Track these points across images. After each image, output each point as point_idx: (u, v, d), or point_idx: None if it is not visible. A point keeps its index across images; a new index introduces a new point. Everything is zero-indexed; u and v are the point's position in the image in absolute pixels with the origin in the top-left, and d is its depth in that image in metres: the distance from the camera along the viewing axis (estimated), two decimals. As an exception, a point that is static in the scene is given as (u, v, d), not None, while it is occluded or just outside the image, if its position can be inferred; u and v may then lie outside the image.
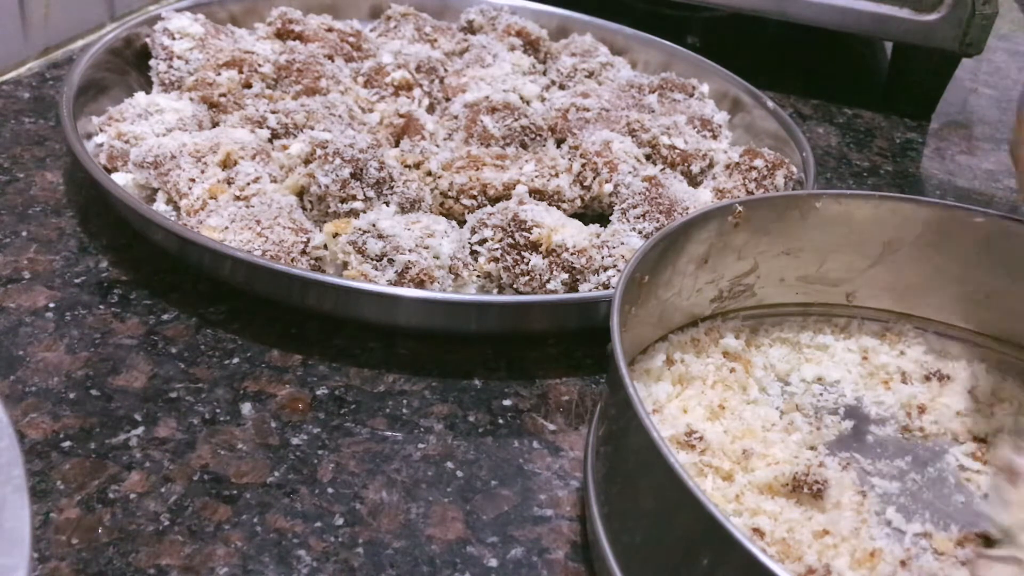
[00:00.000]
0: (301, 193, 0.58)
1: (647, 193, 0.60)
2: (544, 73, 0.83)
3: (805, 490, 0.44)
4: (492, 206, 0.60)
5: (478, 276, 0.57)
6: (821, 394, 0.52)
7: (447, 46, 0.82)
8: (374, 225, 0.54)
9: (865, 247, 0.54)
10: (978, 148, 0.92)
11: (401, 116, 0.69)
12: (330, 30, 0.78)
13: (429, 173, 0.63)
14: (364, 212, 0.57)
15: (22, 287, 0.54)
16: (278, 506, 0.43)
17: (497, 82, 0.74)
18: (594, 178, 0.64)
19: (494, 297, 0.56)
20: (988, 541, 0.43)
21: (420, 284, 0.52)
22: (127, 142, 0.61)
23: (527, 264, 0.55)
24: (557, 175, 0.64)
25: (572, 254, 0.55)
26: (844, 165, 0.84)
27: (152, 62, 0.71)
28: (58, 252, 0.57)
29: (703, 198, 0.63)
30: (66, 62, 0.79)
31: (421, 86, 0.74)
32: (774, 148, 0.69)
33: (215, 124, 0.66)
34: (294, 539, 0.41)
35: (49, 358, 0.49)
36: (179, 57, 0.70)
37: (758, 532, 0.42)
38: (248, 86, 0.69)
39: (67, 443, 0.44)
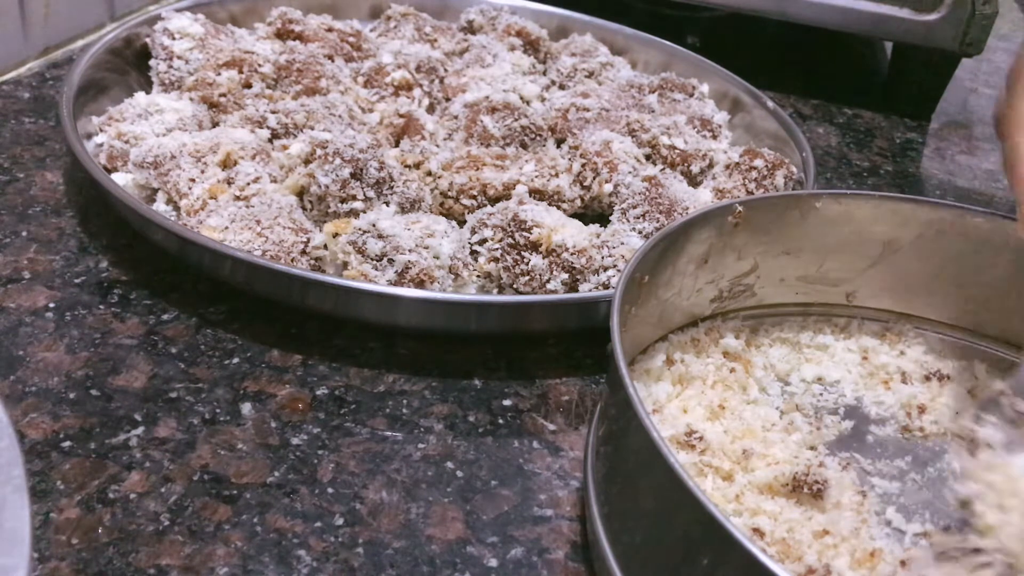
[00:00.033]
0: (301, 193, 0.58)
1: (647, 193, 0.60)
2: (544, 73, 0.83)
3: (805, 490, 0.44)
4: (492, 206, 0.60)
5: (478, 276, 0.57)
6: (821, 394, 0.52)
7: (447, 46, 0.82)
8: (374, 225, 0.54)
9: (865, 247, 0.54)
10: (978, 148, 0.92)
11: (401, 116, 0.69)
12: (330, 30, 0.78)
13: (429, 173, 0.63)
14: (364, 212, 0.57)
15: (22, 287, 0.54)
16: (278, 506, 0.43)
17: (497, 82, 0.74)
18: (594, 178, 0.64)
19: (494, 297, 0.56)
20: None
21: (420, 284, 0.52)
22: (127, 142, 0.61)
23: (527, 264, 0.55)
24: (557, 175, 0.64)
25: (572, 254, 0.55)
26: (844, 165, 0.84)
27: (152, 62, 0.71)
28: (58, 252, 0.57)
29: (703, 198, 0.63)
30: (66, 62, 0.79)
31: (421, 86, 0.74)
32: (774, 148, 0.69)
33: (215, 124, 0.66)
34: (294, 539, 0.41)
35: (49, 358, 0.49)
36: (179, 57, 0.70)
37: (758, 532, 0.42)
38: (248, 86, 0.69)
39: (67, 443, 0.44)
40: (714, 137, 0.73)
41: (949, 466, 0.48)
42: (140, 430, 0.46)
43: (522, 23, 0.83)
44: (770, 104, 0.76)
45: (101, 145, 0.62)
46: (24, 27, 0.76)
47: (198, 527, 0.41)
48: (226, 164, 0.59)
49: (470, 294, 0.56)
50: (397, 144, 0.68)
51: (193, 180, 0.58)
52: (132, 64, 0.71)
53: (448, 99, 0.74)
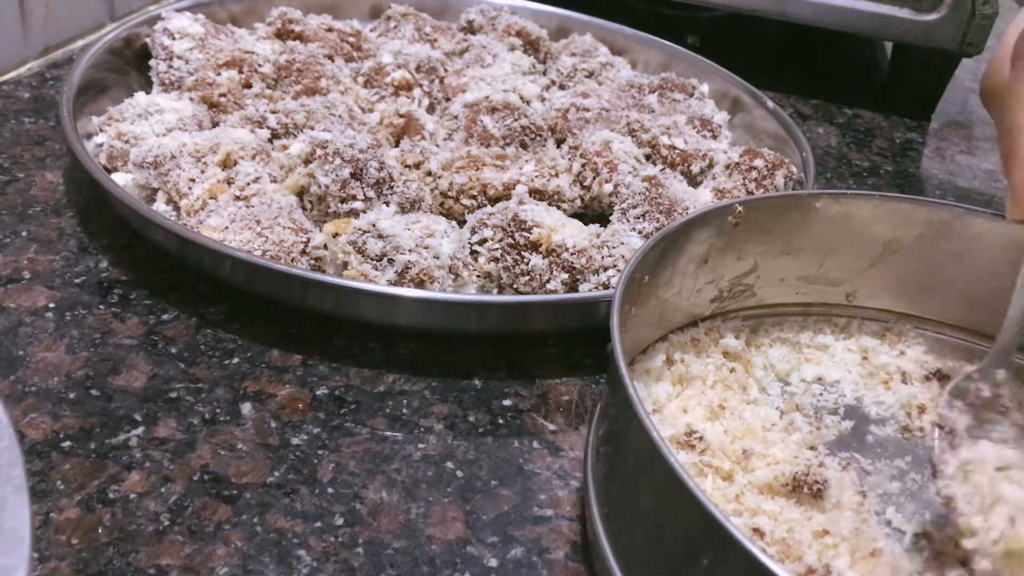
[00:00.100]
0: (301, 193, 0.59)
1: (647, 193, 0.60)
2: (544, 73, 0.83)
3: (805, 490, 0.44)
4: (492, 206, 0.60)
5: (478, 276, 0.57)
6: (821, 394, 0.52)
7: (447, 46, 0.82)
8: (374, 225, 0.54)
9: (865, 247, 0.54)
10: (978, 148, 0.92)
11: (401, 116, 0.69)
12: (330, 30, 0.78)
13: (429, 173, 0.63)
14: (364, 212, 0.57)
15: (22, 287, 0.54)
16: (278, 506, 0.43)
17: (497, 82, 0.74)
18: (594, 178, 0.64)
19: (494, 297, 0.56)
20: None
21: (420, 284, 0.52)
22: (127, 142, 0.61)
23: (527, 264, 0.55)
24: (557, 175, 0.64)
25: (572, 254, 0.55)
26: (844, 165, 0.84)
27: (152, 62, 0.71)
28: (58, 252, 0.57)
29: (703, 198, 0.63)
30: (66, 62, 0.79)
31: (421, 86, 0.74)
32: (774, 148, 0.69)
33: (215, 124, 0.66)
34: (294, 539, 0.41)
35: (49, 358, 0.49)
36: (179, 57, 0.70)
37: (758, 532, 0.42)
38: (248, 86, 0.69)
39: (67, 443, 0.44)
40: (714, 137, 0.73)
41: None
42: (140, 430, 0.46)
43: (522, 23, 0.83)
44: (770, 104, 0.76)
45: (101, 145, 0.62)
46: (24, 27, 0.76)
47: (198, 527, 0.41)
48: (226, 164, 0.59)
49: (470, 294, 0.56)
50: (397, 144, 0.68)
51: (193, 180, 0.58)
52: (132, 64, 0.71)
53: (448, 99, 0.74)
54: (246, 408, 0.48)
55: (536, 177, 0.63)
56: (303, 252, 0.54)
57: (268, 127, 0.65)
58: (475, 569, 0.41)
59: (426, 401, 0.50)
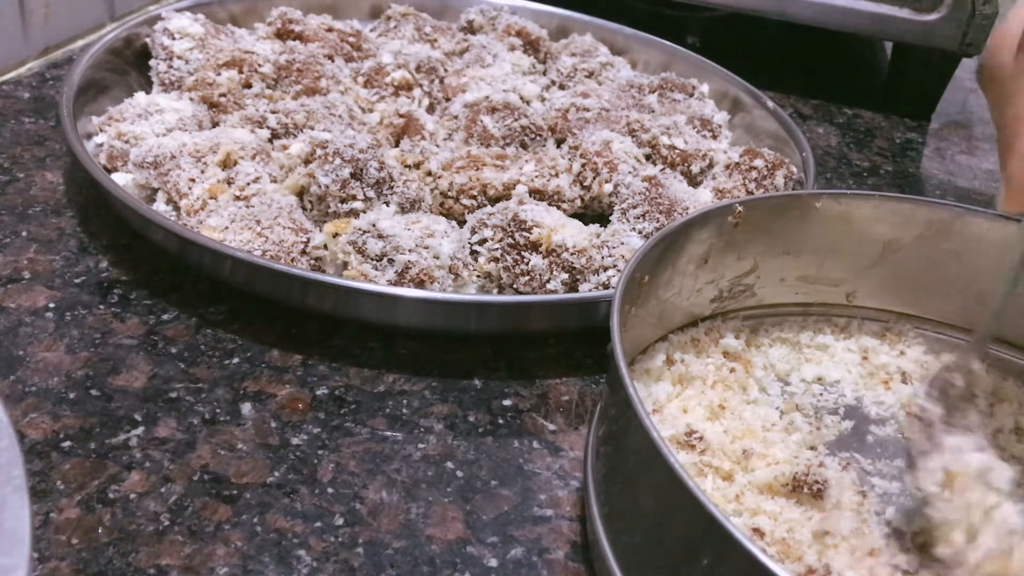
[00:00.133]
0: (301, 193, 0.59)
1: (647, 193, 0.60)
2: (544, 73, 0.83)
3: (805, 490, 0.44)
4: (492, 206, 0.60)
5: (478, 276, 0.57)
6: (821, 394, 0.52)
7: (447, 46, 0.82)
8: (374, 225, 0.54)
9: (865, 247, 0.54)
10: (978, 148, 0.92)
11: (401, 116, 0.69)
12: (330, 30, 0.78)
13: (429, 173, 0.63)
14: (364, 212, 0.57)
15: (22, 287, 0.54)
16: (278, 506, 0.43)
17: (497, 82, 0.74)
18: (594, 178, 0.64)
19: (494, 297, 0.56)
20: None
21: (420, 284, 0.52)
22: (127, 142, 0.61)
23: (527, 264, 0.55)
24: (557, 175, 0.64)
25: (572, 254, 0.55)
26: (844, 165, 0.84)
27: (152, 62, 0.71)
28: (58, 252, 0.57)
29: (703, 198, 0.63)
30: (66, 62, 0.79)
31: (421, 86, 0.74)
32: (774, 148, 0.69)
33: (215, 124, 0.66)
34: (294, 539, 0.41)
35: (49, 358, 0.49)
36: (179, 57, 0.70)
37: (758, 532, 0.42)
38: (248, 86, 0.69)
39: (67, 443, 0.44)
40: (714, 137, 0.73)
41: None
42: (140, 430, 0.46)
43: (522, 23, 0.83)
44: (770, 104, 0.76)
45: (101, 145, 0.62)
46: (24, 27, 0.76)
47: (198, 527, 0.41)
48: (226, 164, 0.59)
49: (470, 294, 0.56)
50: (397, 144, 0.68)
51: (193, 180, 0.58)
52: (132, 64, 0.71)
53: (448, 99, 0.74)
54: (246, 408, 0.48)
55: (536, 177, 0.63)
56: (303, 252, 0.54)
57: (268, 127, 0.65)
58: (475, 569, 0.41)
59: (426, 401, 0.50)
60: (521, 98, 0.73)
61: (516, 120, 0.68)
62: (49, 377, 0.48)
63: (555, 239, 0.55)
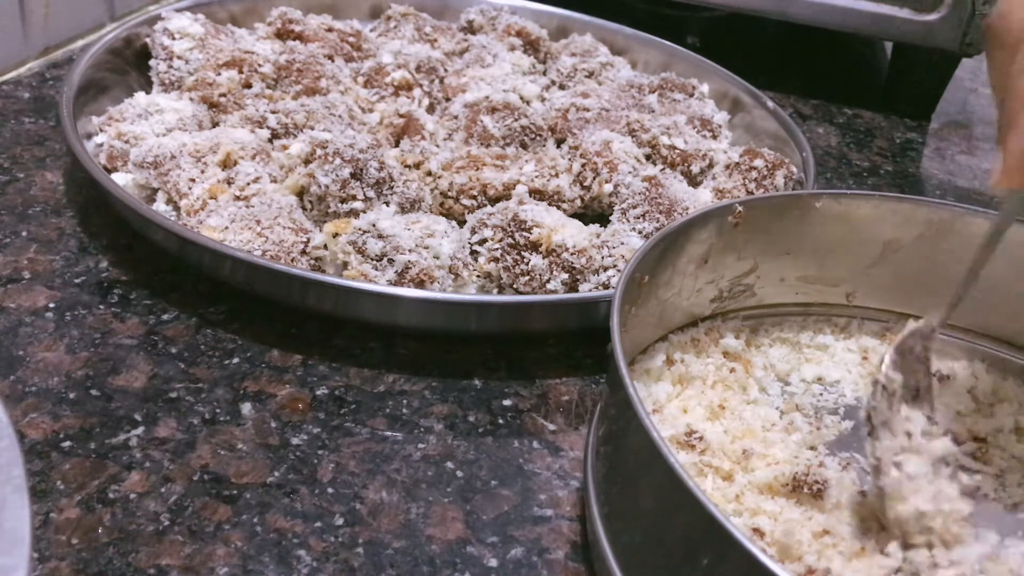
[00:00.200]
0: (301, 193, 0.59)
1: (647, 193, 0.60)
2: (544, 73, 0.83)
3: (805, 490, 0.44)
4: (492, 206, 0.60)
5: (478, 276, 0.57)
6: (821, 394, 0.52)
7: (447, 46, 0.82)
8: (374, 225, 0.54)
9: (865, 247, 0.54)
10: (978, 148, 0.92)
11: (401, 116, 0.69)
12: (330, 30, 0.78)
13: (429, 173, 0.63)
14: (364, 212, 0.57)
15: (22, 287, 0.54)
16: (278, 506, 0.43)
17: (497, 82, 0.74)
18: (594, 178, 0.64)
19: (494, 297, 0.56)
20: None
21: (420, 284, 0.52)
22: (127, 142, 0.61)
23: (527, 264, 0.55)
24: (557, 175, 0.64)
25: (572, 254, 0.55)
26: (844, 165, 0.84)
27: (152, 62, 0.71)
28: (58, 252, 0.57)
29: (703, 198, 0.63)
30: (66, 62, 0.79)
31: (421, 86, 0.74)
32: (774, 148, 0.69)
33: (215, 124, 0.66)
34: (294, 539, 0.41)
35: (49, 358, 0.49)
36: (179, 57, 0.70)
37: (758, 532, 0.42)
38: (248, 86, 0.69)
39: (67, 443, 0.44)
40: (714, 137, 0.73)
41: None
42: (140, 430, 0.46)
43: (522, 23, 0.83)
44: (770, 104, 0.76)
45: (101, 145, 0.62)
46: (24, 27, 0.76)
47: (198, 527, 0.41)
48: (226, 164, 0.59)
49: (470, 294, 0.56)
50: (397, 144, 0.68)
51: (193, 180, 0.58)
52: (132, 64, 0.71)
53: (448, 99, 0.74)
54: (246, 408, 0.48)
55: (536, 177, 0.63)
56: (303, 252, 0.54)
57: (268, 127, 0.65)
58: (475, 569, 0.41)
59: (426, 401, 0.50)
60: (521, 98, 0.73)
61: (516, 120, 0.68)
62: (49, 377, 0.48)
63: (555, 239, 0.55)
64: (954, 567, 0.40)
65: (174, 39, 0.71)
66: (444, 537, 0.42)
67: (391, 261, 0.53)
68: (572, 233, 0.56)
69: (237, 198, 0.57)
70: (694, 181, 0.68)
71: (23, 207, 0.60)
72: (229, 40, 0.73)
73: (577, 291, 0.55)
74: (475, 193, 0.62)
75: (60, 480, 0.42)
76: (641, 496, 0.36)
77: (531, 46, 0.82)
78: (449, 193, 0.62)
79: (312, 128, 0.64)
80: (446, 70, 0.77)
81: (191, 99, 0.66)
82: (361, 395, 0.50)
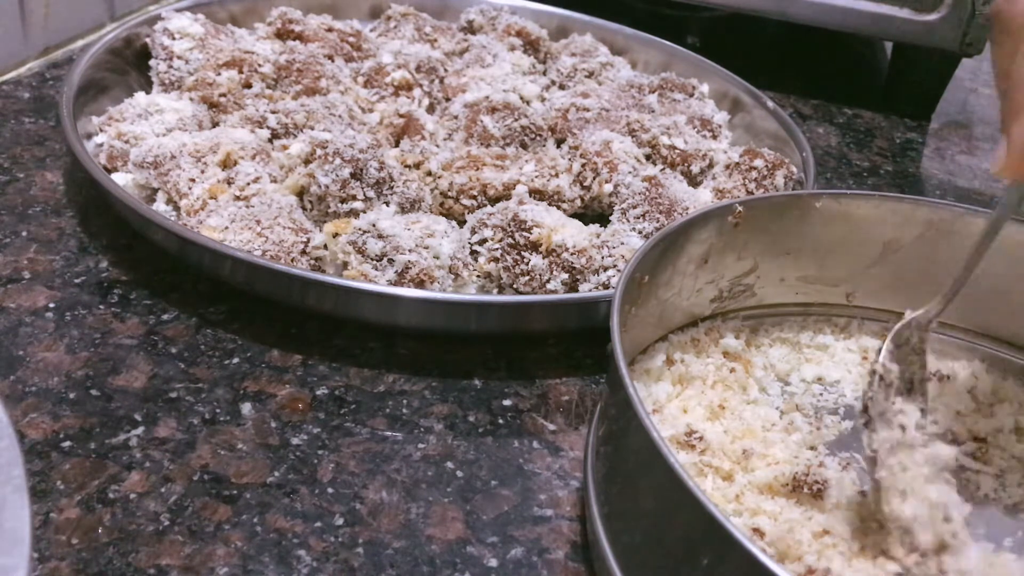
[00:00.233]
0: (301, 193, 0.59)
1: (647, 193, 0.60)
2: (544, 73, 0.83)
3: (805, 490, 0.44)
4: (492, 206, 0.60)
5: (478, 276, 0.57)
6: (821, 394, 0.52)
7: (447, 46, 0.82)
8: (374, 225, 0.54)
9: (865, 247, 0.54)
10: (978, 148, 0.92)
11: (401, 116, 0.69)
12: (330, 30, 0.78)
13: (429, 173, 0.63)
14: (364, 212, 0.57)
15: (22, 287, 0.54)
16: (278, 506, 0.43)
17: (497, 82, 0.74)
18: (594, 178, 0.64)
19: (494, 297, 0.56)
20: None
21: (420, 284, 0.52)
22: (127, 142, 0.61)
23: (527, 264, 0.55)
24: (557, 175, 0.64)
25: (572, 254, 0.55)
26: (844, 165, 0.84)
27: (152, 62, 0.71)
28: (58, 252, 0.57)
29: (703, 198, 0.63)
30: (66, 62, 0.79)
31: (421, 86, 0.74)
32: (774, 148, 0.69)
33: (215, 124, 0.66)
34: (294, 539, 0.41)
35: (49, 358, 0.49)
36: (179, 57, 0.70)
37: (758, 532, 0.42)
38: (248, 86, 0.69)
39: (67, 443, 0.44)
40: (714, 137, 0.73)
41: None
42: (140, 430, 0.46)
43: (522, 23, 0.83)
44: (770, 104, 0.76)
45: (101, 145, 0.62)
46: (24, 27, 0.76)
47: (198, 527, 0.41)
48: (226, 164, 0.59)
49: (470, 294, 0.56)
50: (397, 144, 0.68)
51: (193, 180, 0.58)
52: (132, 64, 0.71)
53: (448, 99, 0.74)
54: (246, 408, 0.48)
55: (536, 177, 0.63)
56: (303, 252, 0.54)
57: (268, 127, 0.65)
58: (475, 569, 0.41)
59: (426, 401, 0.50)
60: (521, 98, 0.73)
61: (516, 120, 0.68)
62: (49, 377, 0.48)
63: (555, 239, 0.55)
64: (955, 574, 0.40)
65: (174, 39, 0.71)
66: (444, 537, 0.42)
67: (391, 261, 0.53)
68: (572, 233, 0.56)
69: (237, 198, 0.57)
70: (694, 181, 0.68)
71: (23, 207, 0.60)
72: (229, 40, 0.73)
73: (577, 291, 0.55)
74: (475, 193, 0.62)
75: (60, 480, 0.42)
76: (641, 496, 0.36)
77: (531, 46, 0.82)
78: (449, 193, 0.62)
79: (312, 128, 0.64)
80: (446, 70, 0.77)
81: (191, 99, 0.66)
82: (361, 395, 0.50)
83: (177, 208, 0.58)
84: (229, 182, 0.58)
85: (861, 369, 0.54)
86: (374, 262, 0.53)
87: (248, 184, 0.57)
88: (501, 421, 0.50)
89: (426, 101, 0.74)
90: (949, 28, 0.84)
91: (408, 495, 0.44)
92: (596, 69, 0.80)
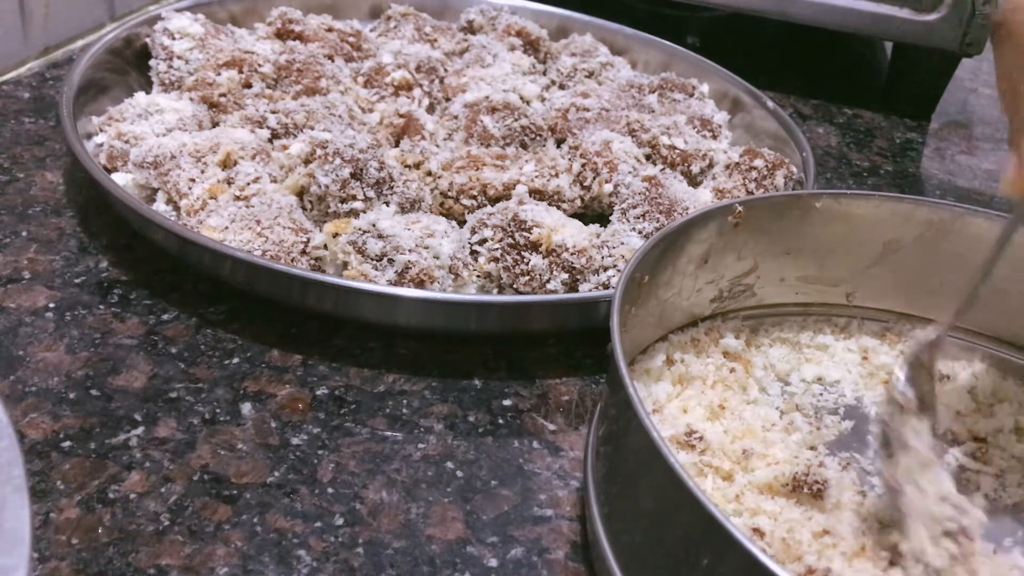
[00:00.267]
0: (301, 193, 0.59)
1: (647, 193, 0.60)
2: (544, 73, 0.83)
3: (805, 490, 0.44)
4: (492, 206, 0.60)
5: (478, 276, 0.57)
6: (821, 394, 0.52)
7: (447, 46, 0.82)
8: (374, 225, 0.54)
9: (865, 247, 0.54)
10: (978, 148, 0.92)
11: (401, 116, 0.69)
12: (330, 30, 0.78)
13: (429, 173, 0.63)
14: (364, 212, 0.57)
15: (22, 287, 0.54)
16: (278, 506, 0.43)
17: (497, 82, 0.74)
18: (594, 178, 0.64)
19: (494, 297, 0.56)
20: None
21: (420, 284, 0.52)
22: (127, 142, 0.61)
23: (527, 264, 0.55)
24: (557, 175, 0.64)
25: (572, 254, 0.55)
26: (844, 165, 0.84)
27: (152, 62, 0.71)
28: (58, 252, 0.57)
29: (703, 198, 0.63)
30: (66, 62, 0.79)
31: (421, 86, 0.74)
32: (774, 148, 0.69)
33: (215, 124, 0.66)
34: (294, 539, 0.41)
35: (49, 358, 0.49)
36: (179, 57, 0.70)
37: (758, 532, 0.42)
38: (248, 86, 0.69)
39: (67, 443, 0.44)
40: (714, 137, 0.73)
41: (950, 467, 0.48)
42: (140, 430, 0.46)
43: (522, 23, 0.83)
44: (770, 104, 0.76)
45: (101, 145, 0.62)
46: (24, 27, 0.76)
47: (198, 527, 0.41)
48: (226, 164, 0.59)
49: (470, 294, 0.56)
50: (397, 144, 0.68)
51: (193, 180, 0.58)
52: (132, 64, 0.71)
53: (448, 99, 0.74)
54: (246, 408, 0.48)
55: (536, 177, 0.63)
56: (303, 252, 0.54)
57: (268, 127, 0.65)
58: (475, 569, 0.41)
59: (426, 401, 0.50)
60: (521, 98, 0.73)
61: (516, 120, 0.68)
62: (49, 377, 0.48)
63: (555, 239, 0.55)
64: None
65: (174, 39, 0.71)
66: (444, 537, 0.42)
67: (391, 261, 0.53)
68: (572, 233, 0.56)
69: (237, 198, 0.57)
70: (694, 181, 0.68)
71: (23, 207, 0.60)
72: (229, 40, 0.73)
73: (577, 291, 0.55)
74: (475, 193, 0.62)
75: (60, 480, 0.42)
76: (641, 496, 0.36)
77: (531, 46, 0.82)
78: (449, 193, 0.62)
79: (312, 128, 0.64)
80: (446, 70, 0.77)
81: (191, 99, 0.66)
82: (361, 395, 0.50)
83: (177, 208, 0.58)
84: (229, 182, 0.58)
85: (861, 369, 0.54)
86: (374, 262, 0.53)
87: (248, 184, 0.57)
88: (501, 421, 0.50)
89: (426, 101, 0.74)
90: (949, 28, 0.84)
91: (408, 495, 0.44)
92: (596, 69, 0.80)
